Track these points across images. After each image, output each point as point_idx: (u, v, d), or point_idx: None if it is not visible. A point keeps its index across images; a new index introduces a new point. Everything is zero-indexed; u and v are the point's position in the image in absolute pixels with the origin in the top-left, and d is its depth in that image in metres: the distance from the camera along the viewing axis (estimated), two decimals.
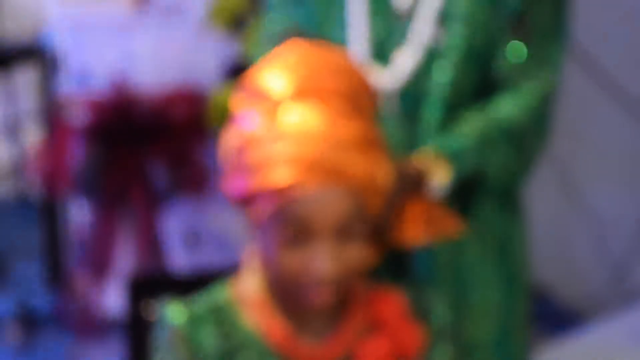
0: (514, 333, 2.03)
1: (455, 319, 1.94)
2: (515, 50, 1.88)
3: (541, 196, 2.02)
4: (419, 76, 1.89)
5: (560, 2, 1.92)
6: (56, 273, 4.43)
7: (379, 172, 1.56)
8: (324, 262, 1.52)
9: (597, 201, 3.72)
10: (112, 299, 3.84)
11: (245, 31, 3.39)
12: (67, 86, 3.75)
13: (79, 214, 3.86)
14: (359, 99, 1.56)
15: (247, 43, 3.31)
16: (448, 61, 1.87)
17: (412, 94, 1.89)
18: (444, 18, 1.87)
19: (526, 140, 1.88)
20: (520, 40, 1.88)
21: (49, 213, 4.46)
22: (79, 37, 3.77)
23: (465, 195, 1.89)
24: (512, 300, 2.01)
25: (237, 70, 3.23)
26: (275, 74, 1.54)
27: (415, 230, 1.75)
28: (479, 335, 1.96)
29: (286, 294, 1.60)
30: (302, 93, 1.52)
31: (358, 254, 1.56)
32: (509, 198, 2.00)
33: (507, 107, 1.87)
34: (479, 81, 1.90)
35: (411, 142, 1.90)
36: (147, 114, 3.55)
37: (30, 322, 4.31)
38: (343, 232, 1.53)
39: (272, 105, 1.52)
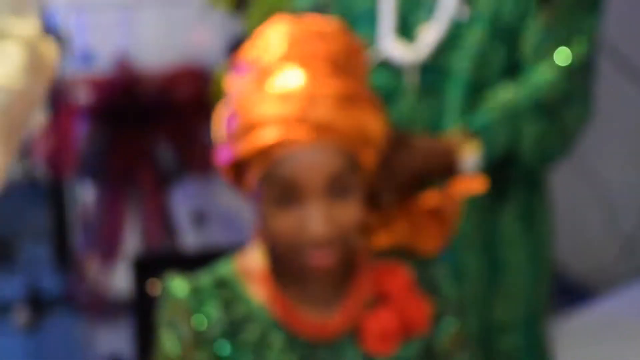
0: (540, 314, 2.03)
1: (485, 297, 1.95)
2: (542, 22, 1.85)
3: (552, 172, 2.00)
4: (443, 51, 1.87)
5: None
6: (64, 255, 4.44)
7: (367, 125, 1.54)
8: (316, 222, 1.50)
9: (608, 176, 3.71)
10: (121, 279, 3.84)
11: (247, 8, 3.37)
12: (71, 67, 3.74)
13: (86, 195, 3.85)
14: (345, 61, 1.56)
15: (250, 20, 3.29)
16: (473, 36, 1.85)
17: (435, 69, 1.88)
18: None
19: (561, 111, 1.84)
20: (547, 11, 1.85)
21: (56, 195, 4.47)
22: (82, 18, 3.75)
23: (500, 173, 1.87)
24: (539, 281, 2.00)
25: (240, 48, 3.21)
26: (261, 44, 1.56)
27: (434, 240, 1.71)
28: (509, 315, 1.97)
29: (286, 263, 1.59)
30: (287, 58, 1.53)
31: (353, 212, 1.54)
32: (537, 183, 1.98)
33: (536, 77, 1.84)
34: (505, 58, 1.87)
35: (433, 118, 1.88)
36: (152, 93, 3.54)
37: (39, 304, 4.31)
38: (335, 191, 1.52)
39: (258, 73, 1.53)
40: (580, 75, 1.86)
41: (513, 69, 1.87)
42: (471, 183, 1.72)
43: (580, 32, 1.86)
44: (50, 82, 1.61)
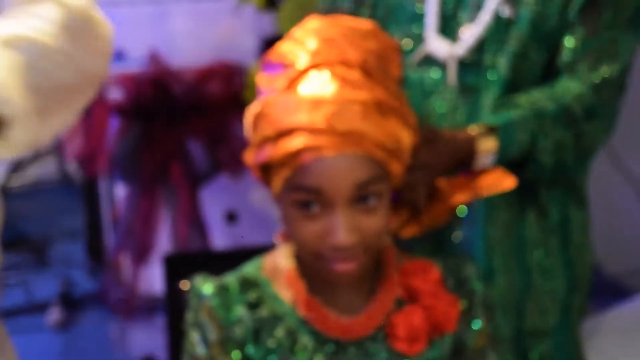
0: (574, 321, 2.02)
1: (518, 302, 1.94)
2: (581, 34, 1.84)
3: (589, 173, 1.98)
4: (484, 48, 1.87)
5: None
6: (98, 254, 4.44)
7: (396, 135, 1.53)
8: (342, 231, 1.49)
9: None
10: (154, 278, 3.84)
11: (280, 6, 3.35)
12: None
13: (120, 194, 3.85)
14: (378, 66, 1.54)
15: (281, 16, 3.27)
16: (514, 35, 1.85)
17: (475, 66, 1.88)
18: None
19: (582, 123, 1.84)
20: (588, 25, 1.84)
21: (90, 193, 4.46)
22: (113, 13, 3.74)
23: (527, 179, 1.86)
24: (575, 288, 1.99)
25: (273, 46, 3.19)
26: (293, 46, 1.54)
27: (459, 194, 1.72)
28: (542, 321, 1.96)
29: (313, 266, 1.58)
30: (318, 62, 1.51)
31: (379, 220, 1.52)
32: (573, 187, 1.97)
33: (564, 86, 1.84)
34: (543, 62, 1.87)
35: (471, 114, 1.88)
36: (185, 91, 3.52)
37: (72, 303, 4.32)
38: (361, 199, 1.50)
39: (288, 76, 1.51)
40: (608, 93, 1.86)
41: (550, 74, 1.87)
42: (502, 180, 1.70)
43: (617, 51, 1.85)
44: (105, 56, 1.52)
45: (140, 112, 3.50)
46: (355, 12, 1.99)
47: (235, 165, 3.54)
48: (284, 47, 1.55)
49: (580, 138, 1.84)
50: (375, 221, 1.52)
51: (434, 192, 1.71)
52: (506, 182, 1.72)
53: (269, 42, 3.40)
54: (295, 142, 1.47)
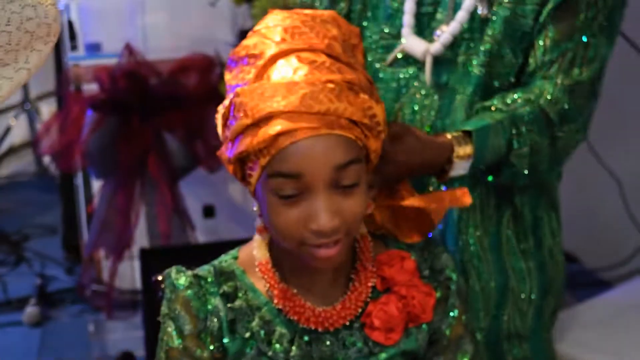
0: (548, 324, 2.04)
1: (496, 305, 1.95)
2: (554, 35, 1.84)
3: (567, 164, 1.98)
4: (459, 46, 1.88)
5: (614, 2, 1.86)
6: (76, 249, 4.41)
7: (371, 111, 1.52)
8: (323, 214, 1.48)
9: (627, 169, 3.69)
10: (132, 273, 3.82)
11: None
12: (79, 58, 3.71)
13: (96, 189, 3.82)
14: (343, 49, 1.54)
15: (257, 10, 3.26)
16: (489, 34, 1.86)
17: (448, 64, 1.89)
18: None
19: (556, 126, 1.84)
20: (561, 27, 1.84)
21: (67, 188, 4.43)
22: (89, 7, 3.72)
23: (502, 184, 1.88)
24: (548, 292, 2.00)
25: None
26: (258, 39, 1.54)
27: (414, 199, 1.70)
28: (519, 324, 1.97)
29: (292, 255, 1.57)
30: (285, 51, 1.51)
31: (359, 203, 1.51)
32: (544, 190, 1.98)
33: (538, 89, 1.84)
34: (518, 63, 1.87)
35: (443, 110, 1.89)
36: (161, 84, 3.49)
37: (50, 299, 4.30)
38: (341, 182, 1.49)
39: (254, 68, 1.51)
40: (582, 97, 1.86)
41: (524, 74, 1.88)
42: (459, 196, 1.69)
43: (590, 55, 1.85)
44: (45, 28, 1.48)
45: (116, 105, 3.47)
46: (330, 7, 1.98)
47: (212, 159, 3.52)
48: (248, 41, 1.55)
49: (554, 142, 1.84)
50: (355, 203, 1.51)
51: (393, 190, 1.70)
52: (464, 199, 1.70)
53: (245, 35, 3.39)
54: (272, 128, 1.46)
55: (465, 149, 1.75)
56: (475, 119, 1.81)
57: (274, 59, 1.50)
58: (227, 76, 1.57)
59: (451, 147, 1.75)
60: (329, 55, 1.51)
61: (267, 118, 1.46)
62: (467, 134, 1.77)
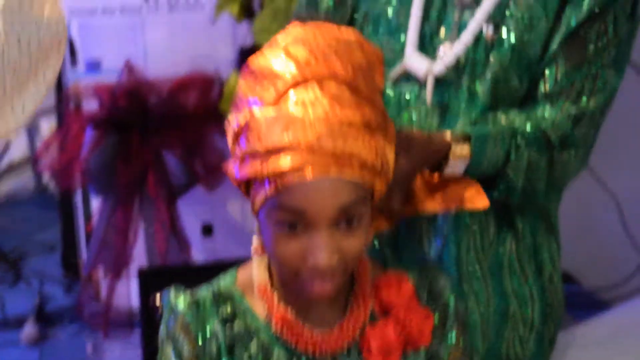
0: (548, 348, 2.02)
1: (495, 328, 1.94)
2: (563, 66, 1.83)
3: (570, 188, 1.98)
4: (462, 69, 1.86)
5: (623, 34, 1.85)
6: (74, 267, 4.40)
7: (383, 153, 1.50)
8: (322, 252, 1.46)
9: (626, 190, 3.68)
10: (131, 292, 3.80)
11: (255, 17, 3.33)
12: (79, 76, 3.71)
13: (96, 207, 3.81)
14: (363, 79, 1.50)
15: (257, 28, 3.24)
16: (495, 60, 1.84)
17: (451, 86, 1.87)
18: (499, 16, 1.84)
19: (555, 150, 1.83)
20: (571, 57, 1.83)
21: (66, 206, 4.42)
22: (89, 25, 3.72)
23: (503, 204, 1.87)
24: (548, 315, 1.99)
25: (249, 56, 3.17)
26: (279, 55, 1.48)
27: (432, 202, 1.73)
28: (519, 347, 1.96)
29: (289, 282, 1.56)
30: (307, 77, 1.47)
31: (359, 241, 1.50)
32: (544, 214, 1.97)
33: (543, 113, 1.83)
34: (523, 90, 1.86)
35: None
36: (161, 102, 3.49)
37: (47, 317, 4.28)
38: (344, 220, 1.47)
39: (274, 91, 1.47)
40: (586, 126, 1.85)
41: (529, 101, 1.87)
42: (476, 198, 1.69)
43: (599, 86, 1.84)
44: (56, 42, 1.49)
45: (115, 123, 3.47)
46: (334, 10, 1.96)
47: (211, 178, 3.51)
48: (269, 55, 1.49)
49: (553, 165, 1.83)
50: (356, 242, 1.50)
51: (408, 196, 1.71)
52: (480, 201, 1.72)
53: (246, 53, 3.38)
54: (283, 162, 1.44)
55: (463, 149, 1.75)
56: (477, 126, 1.81)
57: (295, 84, 1.46)
58: (243, 84, 1.52)
59: (449, 145, 1.74)
60: (350, 88, 1.47)
61: (278, 151, 1.44)
62: (467, 137, 1.77)
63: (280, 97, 1.46)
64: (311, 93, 1.46)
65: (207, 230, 3.89)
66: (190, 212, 3.76)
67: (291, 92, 1.46)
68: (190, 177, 3.57)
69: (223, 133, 1.59)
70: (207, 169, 3.52)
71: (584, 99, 1.83)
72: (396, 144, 1.61)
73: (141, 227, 3.59)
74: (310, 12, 2.00)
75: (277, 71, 1.47)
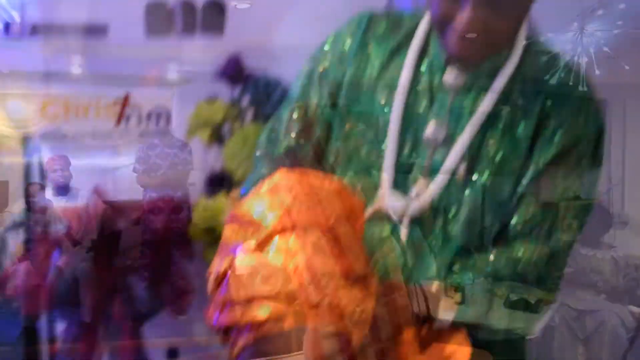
0: None
1: None
2: (533, 205, 1.85)
3: None
4: (437, 209, 1.87)
5: (588, 173, 1.89)
6: None
7: (362, 305, 1.51)
8: None
9: None
10: None
11: (225, 143, 3.36)
12: (47, 197, 3.71)
13: (60, 330, 3.77)
14: (344, 230, 1.53)
15: (227, 154, 3.27)
16: (468, 200, 1.85)
17: (424, 226, 1.87)
18: (472, 156, 1.86)
19: (532, 287, 1.84)
20: (540, 196, 1.86)
21: (31, 329, 4.37)
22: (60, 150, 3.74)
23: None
24: None
25: (218, 180, 3.18)
26: (261, 205, 1.52)
27: (416, 356, 1.71)
28: None
29: None
30: (285, 227, 1.49)
31: None
32: (520, 351, 1.97)
33: (518, 253, 1.85)
34: (495, 229, 1.87)
35: (420, 271, 1.87)
36: (129, 226, 3.49)
37: None
38: None
39: (256, 238, 1.49)
40: (560, 261, 1.88)
41: (502, 236, 1.87)
42: (457, 349, 1.70)
43: (569, 222, 1.87)
44: None
45: (83, 246, 3.46)
46: (324, 109, 1.96)
47: (179, 303, 3.49)
48: (253, 202, 1.52)
49: (528, 304, 1.84)
50: None
51: (390, 348, 1.69)
52: (463, 352, 1.72)
53: (214, 178, 3.40)
54: (261, 312, 1.44)
55: (450, 303, 1.76)
56: (460, 275, 1.82)
57: (276, 232, 1.48)
58: (227, 230, 1.54)
59: (437, 299, 1.75)
60: (331, 237, 1.49)
61: (257, 301, 1.44)
62: (454, 288, 1.77)
63: (262, 245, 1.48)
64: (292, 242, 1.47)
65: (173, 354, 3.85)
66: (156, 335, 3.72)
67: (273, 240, 1.48)
68: (157, 303, 3.55)
69: (192, 258, 1.59)
70: (174, 294, 3.50)
71: (555, 236, 1.85)
72: (384, 290, 1.62)
73: (106, 352, 3.55)
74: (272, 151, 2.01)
75: (259, 219, 1.49)
